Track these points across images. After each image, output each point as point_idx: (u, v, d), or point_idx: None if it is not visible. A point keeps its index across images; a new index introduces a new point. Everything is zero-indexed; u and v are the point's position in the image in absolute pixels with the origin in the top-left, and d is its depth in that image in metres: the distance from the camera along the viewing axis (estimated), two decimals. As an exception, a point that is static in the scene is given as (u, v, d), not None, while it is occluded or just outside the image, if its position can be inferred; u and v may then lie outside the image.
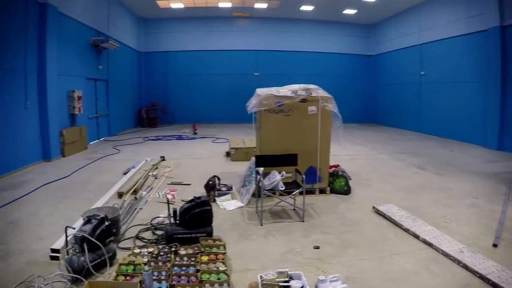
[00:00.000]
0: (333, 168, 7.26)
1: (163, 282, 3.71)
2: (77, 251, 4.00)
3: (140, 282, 3.61)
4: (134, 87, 19.84)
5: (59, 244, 4.55)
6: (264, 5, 17.91)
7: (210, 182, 6.98)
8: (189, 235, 4.72)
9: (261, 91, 7.02)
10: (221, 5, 17.93)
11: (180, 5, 17.95)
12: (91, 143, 13.46)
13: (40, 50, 9.99)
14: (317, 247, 4.78)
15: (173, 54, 20.71)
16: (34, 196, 7.17)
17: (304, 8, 18.17)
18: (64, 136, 10.89)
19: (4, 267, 4.31)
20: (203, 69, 20.57)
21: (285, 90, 6.94)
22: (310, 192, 6.84)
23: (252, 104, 6.90)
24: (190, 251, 4.40)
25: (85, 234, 3.98)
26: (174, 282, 3.70)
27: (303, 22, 20.34)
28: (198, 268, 3.94)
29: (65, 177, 8.53)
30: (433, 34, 15.69)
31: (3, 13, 8.55)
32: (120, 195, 6.95)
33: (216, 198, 6.73)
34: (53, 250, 4.44)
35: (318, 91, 6.89)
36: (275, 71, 20.16)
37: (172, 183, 7.91)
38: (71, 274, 3.85)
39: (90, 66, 13.84)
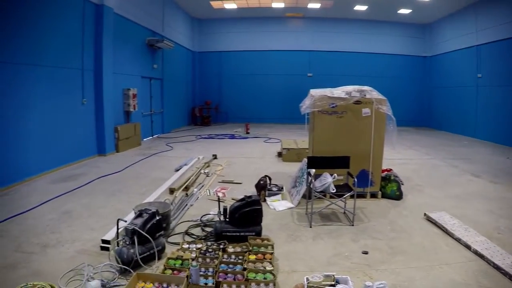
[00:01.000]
0: (386, 172, 6.93)
1: (210, 278, 3.67)
2: (127, 243, 4.06)
3: (187, 276, 3.60)
4: (188, 86, 20.08)
5: (110, 235, 4.63)
6: (317, 5, 17.58)
7: (261, 182, 6.85)
8: (238, 234, 4.65)
9: (315, 92, 6.83)
10: (274, 5, 17.78)
11: (234, 6, 17.98)
12: (144, 139, 13.72)
13: (96, 50, 10.29)
14: (365, 252, 4.54)
15: (227, 54, 20.78)
16: (88, 188, 7.32)
17: (358, 8, 17.63)
18: (119, 132, 11.13)
19: (56, 254, 4.41)
20: (256, 69, 20.52)
21: (339, 92, 6.70)
22: (361, 196, 6.55)
23: (305, 105, 6.71)
24: (238, 249, 4.34)
25: (136, 227, 4.02)
26: (220, 279, 3.65)
27: (356, 22, 19.74)
28: (245, 266, 3.88)
29: (119, 171, 8.66)
30: (491, 34, 14.65)
31: (62, 14, 8.86)
32: (171, 191, 6.96)
33: (267, 198, 6.58)
34: (104, 241, 4.53)
35: (372, 93, 6.61)
36: (328, 71, 19.73)
37: (223, 182, 7.84)
38: (120, 265, 3.89)
39: (146, 65, 14.11)
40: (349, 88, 6.73)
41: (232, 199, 6.32)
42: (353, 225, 5.46)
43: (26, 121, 7.76)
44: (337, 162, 5.85)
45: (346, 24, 19.85)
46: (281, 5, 17.72)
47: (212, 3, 17.44)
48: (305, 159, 6.39)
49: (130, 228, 4.04)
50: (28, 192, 7.03)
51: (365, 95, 6.54)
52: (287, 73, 20.27)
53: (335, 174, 5.74)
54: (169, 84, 16.63)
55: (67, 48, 9.12)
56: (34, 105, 8.00)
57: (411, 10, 17.66)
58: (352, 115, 6.53)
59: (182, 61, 18.87)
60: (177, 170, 8.59)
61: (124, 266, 3.86)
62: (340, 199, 5.69)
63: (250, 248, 4.32)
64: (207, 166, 9.08)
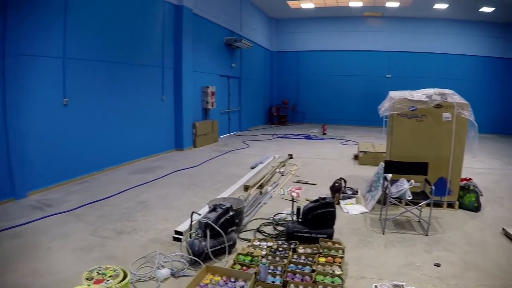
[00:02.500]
0: (464, 182, 6.36)
1: (278, 277, 3.58)
2: (199, 236, 4.09)
3: (255, 273, 3.54)
4: (266, 85, 20.14)
5: (183, 227, 4.67)
6: (396, 4, 16.79)
7: (336, 184, 6.60)
8: (310, 235, 4.50)
9: (394, 94, 6.46)
10: (352, 4, 17.21)
11: (311, 5, 17.70)
12: (221, 136, 13.92)
13: (176, 48, 10.63)
14: (437, 265, 4.15)
15: (304, 54, 20.54)
16: (164, 181, 7.49)
17: (438, 6, 16.45)
18: (197, 128, 11.36)
19: (130, 241, 4.54)
20: (333, 70, 20.03)
21: (419, 94, 6.27)
22: (437, 204, 6.06)
23: (384, 107, 6.37)
24: (309, 250, 4.20)
25: (209, 221, 4.04)
26: (288, 279, 3.54)
27: (436, 22, 18.40)
28: (314, 268, 3.73)
29: (195, 166, 8.79)
30: None
31: (143, 14, 9.28)
32: (246, 188, 6.91)
33: (341, 201, 6.33)
34: (177, 232, 4.58)
35: (454, 97, 6.10)
36: (407, 73, 18.71)
37: (298, 182, 7.66)
38: (190, 256, 3.91)
39: (224, 64, 14.31)
40: (430, 91, 6.29)
41: (306, 199, 6.14)
42: (427, 235, 5.05)
43: (118, 113, 8.34)
44: (415, 168, 5.47)
45: (425, 24, 18.63)
46: (359, 4, 17.09)
47: (289, 2, 17.30)
48: (382, 163, 6.06)
49: (204, 221, 4.06)
50: (107, 181, 7.36)
51: (446, 99, 6.06)
52: (365, 74, 19.54)
53: (412, 181, 5.36)
54: (247, 83, 16.75)
55: (149, 47, 9.55)
56: (125, 99, 8.50)
57: (494, 8, 16.28)
58: (432, 119, 6.08)
59: (260, 60, 18.93)
60: (252, 168, 8.55)
61: (194, 258, 3.87)
62: (415, 207, 5.29)
63: (321, 250, 4.16)
64: (283, 166, 8.95)
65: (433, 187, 5.14)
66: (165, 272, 3.56)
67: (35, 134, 6.52)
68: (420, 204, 5.21)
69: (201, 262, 3.83)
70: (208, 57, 12.76)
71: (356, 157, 10.08)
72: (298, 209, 4.71)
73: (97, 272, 3.10)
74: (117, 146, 8.44)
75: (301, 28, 20.29)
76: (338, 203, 6.21)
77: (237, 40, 14.33)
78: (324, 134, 15.46)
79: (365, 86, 19.22)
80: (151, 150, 9.74)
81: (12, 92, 6.01)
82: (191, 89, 11.25)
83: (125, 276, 3.09)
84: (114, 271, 3.13)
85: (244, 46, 15.04)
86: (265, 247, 4.24)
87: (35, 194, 6.46)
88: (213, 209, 4.29)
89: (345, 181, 6.75)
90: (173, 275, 3.61)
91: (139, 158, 9.18)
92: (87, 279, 3.00)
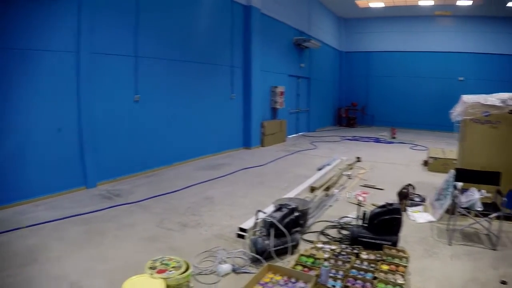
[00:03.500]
0: None
1: (338, 281, 3.45)
2: (263, 234, 4.09)
3: (316, 275, 3.44)
4: (335, 86, 19.84)
5: (247, 224, 4.68)
6: (468, 2, 15.71)
7: (404, 190, 6.30)
8: (374, 241, 4.32)
9: (467, 98, 6.05)
10: (421, 3, 16.40)
11: (380, 4, 17.11)
12: (289, 136, 13.87)
13: (245, 48, 10.77)
14: (504, 282, 3.78)
15: (374, 55, 19.94)
16: (231, 178, 7.57)
17: None
18: (265, 128, 11.41)
19: (193, 235, 4.63)
20: (403, 71, 19.23)
21: (493, 99, 5.81)
22: (508, 218, 5.56)
23: (456, 112, 5.99)
24: (372, 256, 4.02)
25: (274, 220, 4.01)
26: (349, 284, 3.41)
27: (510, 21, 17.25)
28: (376, 275, 3.56)
29: (262, 165, 8.81)
30: None
31: (213, 14, 9.50)
32: (312, 189, 6.81)
33: (408, 208, 6.03)
34: (241, 229, 4.59)
35: None
36: (481, 76, 17.45)
37: (365, 186, 7.42)
38: (253, 254, 3.91)
39: (293, 64, 14.25)
40: (505, 95, 5.80)
41: (372, 204, 5.91)
42: (495, 250, 4.67)
43: (187, 110, 8.68)
44: (487, 178, 5.06)
45: (500, 23, 17.31)
46: (429, 2, 16.20)
47: (357, 2, 16.86)
48: (452, 171, 5.67)
49: (269, 220, 4.05)
50: (175, 175, 7.59)
51: (522, 104, 5.60)
52: (436, 76, 18.48)
53: (483, 191, 4.98)
54: (316, 83, 16.59)
55: (219, 46, 9.76)
56: (194, 97, 8.82)
57: None
58: (506, 126, 5.62)
59: (329, 61, 18.67)
60: (319, 169, 8.42)
61: (256, 256, 3.86)
62: (485, 218, 4.90)
63: (384, 258, 3.97)
64: (350, 168, 8.72)
65: (505, 199, 4.76)
66: (226, 267, 3.58)
67: (107, 128, 6.88)
68: (490, 216, 4.84)
69: (263, 260, 3.80)
70: (277, 57, 12.78)
71: (425, 163, 9.60)
72: (364, 214, 4.55)
73: (161, 262, 3.16)
74: (186, 142, 8.70)
75: (370, 28, 19.73)
76: (405, 210, 5.93)
77: (306, 40, 14.22)
78: (393, 137, 14.91)
79: (436, 89, 18.25)
80: (219, 147, 9.93)
81: (86, 88, 6.40)
82: (260, 89, 11.33)
83: (187, 268, 3.12)
84: (177, 262, 3.18)
85: (313, 46, 14.89)
86: (328, 250, 4.13)
87: (105, 184, 6.81)
88: (279, 208, 4.27)
89: (413, 188, 6.46)
90: (234, 271, 3.62)
91: (207, 155, 9.40)
92: (150, 268, 3.06)
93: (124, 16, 7.10)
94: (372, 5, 17.20)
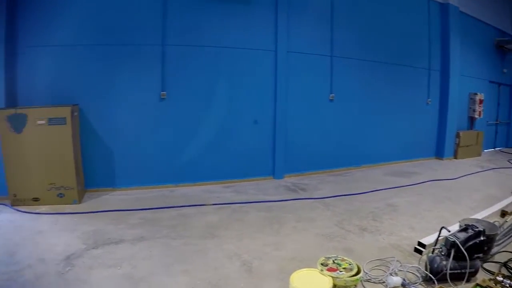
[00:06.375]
0: None
1: None
2: (442, 253, 3.83)
3: None
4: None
5: (427, 240, 4.48)
6: None
7: None
8: None
9: None
10: None
11: None
12: (485, 150, 12.40)
13: (443, 49, 10.05)
14: None
15: None
16: (418, 188, 7.26)
17: None
18: (460, 138, 10.52)
19: (371, 241, 4.61)
20: None
21: None
22: None
23: None
24: None
25: (457, 241, 3.73)
26: None
27: None
28: None
29: (453, 179, 8.18)
30: None
31: (407, 13, 9.16)
32: (503, 214, 6.05)
33: None
34: (420, 244, 4.41)
35: None
36: None
37: None
38: (426, 272, 3.71)
39: (493, 69, 12.63)
40: None
41: None
42: None
43: (377, 112, 8.64)
44: None
45: None
46: None
47: None
48: None
49: (451, 239, 3.77)
50: (361, 177, 7.68)
51: None
52: None
53: None
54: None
55: (414, 47, 9.37)
56: (385, 99, 8.73)
57: None
58: None
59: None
60: (514, 193, 7.46)
61: (430, 275, 3.65)
62: None
63: None
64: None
65: None
66: (396, 280, 3.49)
67: (299, 124, 7.40)
68: None
69: (436, 281, 3.60)
70: (476, 60, 11.56)
71: None
72: None
73: (333, 261, 3.30)
74: (375, 145, 8.70)
75: None
76: None
77: (509, 42, 12.43)
78: None
79: None
80: (409, 154, 9.62)
81: (281, 84, 7.18)
82: (457, 95, 10.47)
83: (357, 272, 3.19)
84: (349, 264, 3.27)
85: (517, 48, 12.88)
86: (508, 285, 3.67)
87: (292, 177, 7.29)
88: (464, 229, 3.95)
89: None
90: (403, 285, 3.51)
91: (396, 161, 9.23)
92: (321, 264, 3.22)
93: (319, 16, 7.51)
94: None
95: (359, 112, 8.33)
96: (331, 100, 7.82)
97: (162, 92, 6.58)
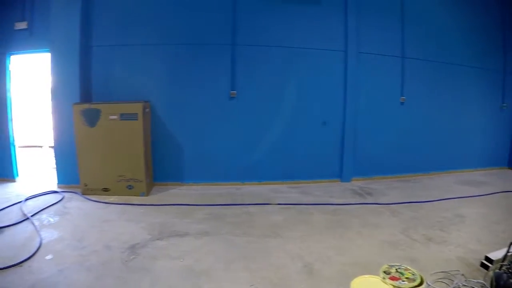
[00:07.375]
0: None
1: None
2: (510, 270, 3.68)
3: None
4: None
5: (496, 255, 4.28)
6: None
7: None
8: None
9: None
10: None
11: None
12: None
13: None
14: None
15: None
16: (489, 199, 6.92)
17: None
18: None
19: (436, 251, 4.51)
20: None
21: None
22: None
23: None
24: None
25: None
26: None
27: None
28: None
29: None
30: None
31: (478, 12, 8.59)
32: None
33: None
34: (487, 259, 4.25)
35: None
36: None
37: None
38: None
39: None
40: None
41: None
42: None
43: (446, 117, 8.38)
44: None
45: None
46: None
47: None
48: None
49: (522, 257, 3.62)
50: (430, 185, 7.51)
51: None
52: None
53: None
54: None
55: (485, 48, 8.81)
56: (462, 103, 8.50)
57: None
58: None
59: None
60: None
61: (496, 291, 3.54)
62: None
63: None
64: None
65: None
66: (460, 295, 3.42)
67: (368, 127, 7.43)
68: None
69: (503, 298, 3.46)
70: None
71: None
72: None
73: (396, 270, 3.29)
74: (445, 152, 8.43)
75: None
76: None
77: None
78: None
79: None
80: (479, 163, 9.15)
81: (351, 86, 7.22)
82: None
83: (420, 283, 3.16)
84: (413, 274, 3.25)
85: None
86: None
87: (359, 181, 7.26)
88: (534, 246, 3.78)
89: None
90: (467, 301, 3.44)
91: (464, 169, 8.84)
92: (384, 272, 3.23)
93: (389, 15, 7.32)
94: None
95: (428, 116, 8.08)
96: (402, 103, 7.68)
97: (231, 91, 6.81)
